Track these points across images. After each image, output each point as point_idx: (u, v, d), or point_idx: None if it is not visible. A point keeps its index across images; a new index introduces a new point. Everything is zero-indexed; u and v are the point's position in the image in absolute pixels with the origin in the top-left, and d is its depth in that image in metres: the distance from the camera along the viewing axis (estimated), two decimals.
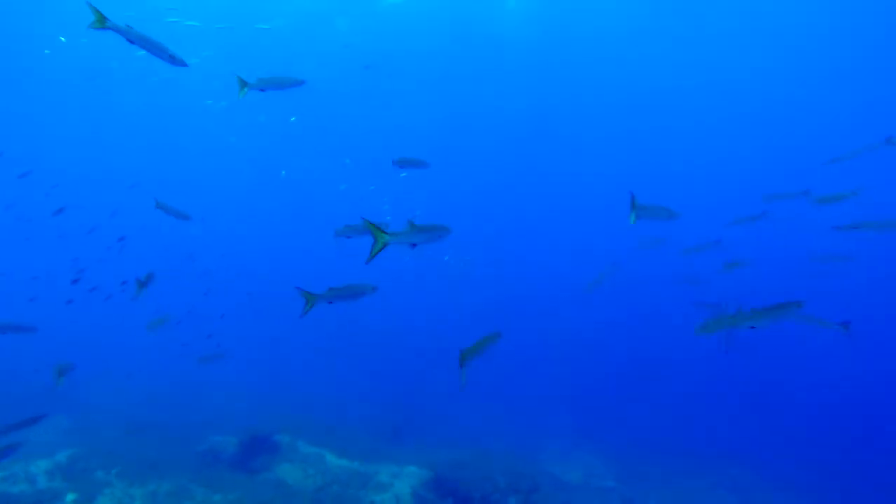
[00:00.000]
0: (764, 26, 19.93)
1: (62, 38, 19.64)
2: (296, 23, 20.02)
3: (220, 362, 12.37)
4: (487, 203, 33.82)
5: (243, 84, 5.75)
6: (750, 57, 22.01)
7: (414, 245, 4.86)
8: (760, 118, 26.71)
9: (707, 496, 11.47)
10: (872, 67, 21.26)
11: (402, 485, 9.89)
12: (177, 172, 30.03)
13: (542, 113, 27.87)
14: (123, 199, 25.41)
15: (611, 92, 25.80)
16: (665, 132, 29.07)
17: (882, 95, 22.56)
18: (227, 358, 11.41)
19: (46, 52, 20.59)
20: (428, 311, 22.44)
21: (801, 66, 22.07)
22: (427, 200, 28.86)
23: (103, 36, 5.31)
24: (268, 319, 21.07)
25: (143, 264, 9.59)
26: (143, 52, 4.71)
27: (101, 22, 4.10)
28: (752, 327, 4.74)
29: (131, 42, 4.30)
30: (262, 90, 5.83)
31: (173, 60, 4.75)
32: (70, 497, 8.25)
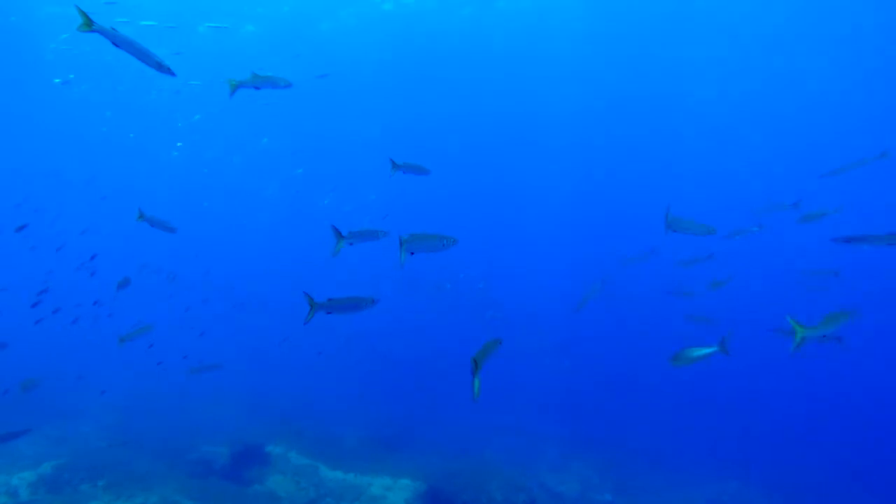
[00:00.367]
0: (760, 33, 20.06)
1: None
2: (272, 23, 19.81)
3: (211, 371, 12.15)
4: (476, 211, 33.87)
5: (234, 84, 5.57)
6: (744, 65, 22.19)
7: (412, 252, 4.83)
8: (755, 129, 26.92)
9: None
10: (871, 76, 21.42)
11: (395, 498, 9.71)
12: (149, 183, 29.98)
13: (532, 120, 27.99)
14: (94, 212, 25.28)
15: (600, 100, 25.92)
16: (657, 142, 29.20)
17: (880, 105, 22.75)
18: (219, 368, 11.20)
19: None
20: (420, 321, 22.26)
21: (797, 75, 22.24)
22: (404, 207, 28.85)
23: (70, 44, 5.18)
24: (257, 329, 20.86)
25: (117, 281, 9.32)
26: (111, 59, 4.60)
27: (88, 25, 4.00)
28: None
29: (117, 46, 4.17)
30: (256, 88, 5.64)
31: (160, 68, 4.57)
32: None
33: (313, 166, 30.94)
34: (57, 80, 21.02)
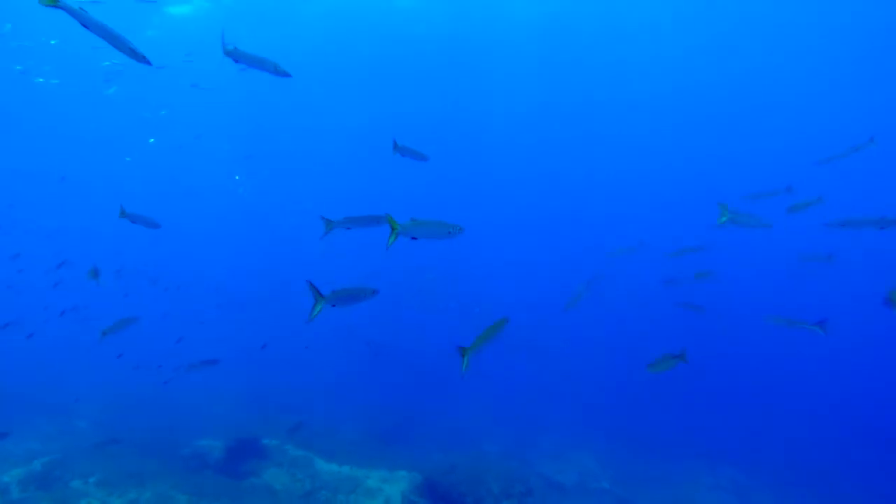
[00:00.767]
0: (754, 26, 19.64)
1: None
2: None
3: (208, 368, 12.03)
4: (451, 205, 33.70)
5: (228, 51, 5.20)
6: (739, 57, 21.75)
7: (414, 238, 4.78)
8: (747, 118, 26.52)
9: (705, 498, 11.28)
10: (863, 67, 21.07)
11: (392, 490, 9.61)
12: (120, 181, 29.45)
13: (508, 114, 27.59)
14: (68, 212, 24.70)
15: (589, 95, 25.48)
16: (643, 133, 28.75)
17: (873, 95, 22.42)
18: (217, 364, 11.07)
19: None
20: (419, 312, 22.16)
21: (790, 67, 21.84)
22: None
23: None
24: (252, 321, 20.74)
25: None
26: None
27: (53, 0, 3.72)
28: None
29: (85, 27, 3.89)
30: (235, 61, 5.26)
31: (134, 55, 4.26)
32: None
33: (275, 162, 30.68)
34: (18, 68, 20.20)
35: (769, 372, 19.43)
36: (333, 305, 4.98)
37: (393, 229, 4.66)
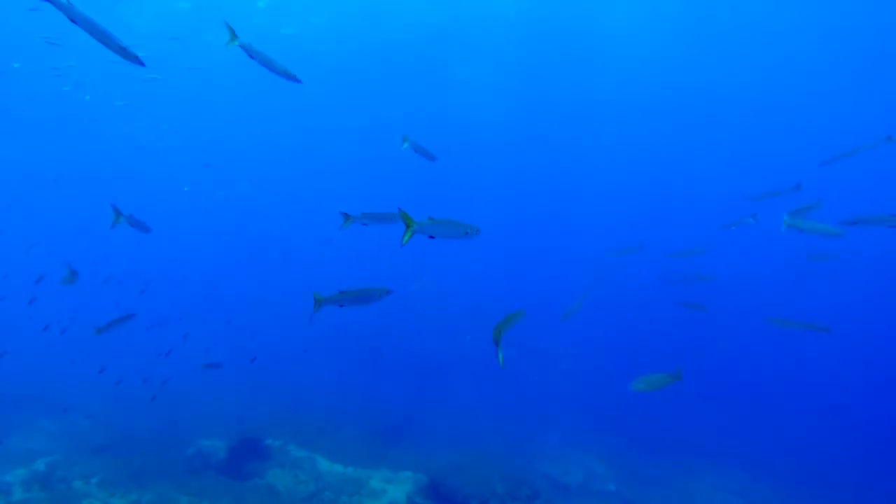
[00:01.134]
0: (758, 25, 19.39)
1: None
2: None
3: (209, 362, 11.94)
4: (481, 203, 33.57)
5: (234, 36, 5.03)
6: (742, 56, 21.49)
7: (432, 237, 4.67)
8: (750, 118, 26.24)
9: (711, 498, 11.18)
10: (869, 67, 20.79)
11: (396, 491, 9.54)
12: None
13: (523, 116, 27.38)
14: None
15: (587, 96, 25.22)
16: (643, 134, 28.46)
17: (880, 96, 22.15)
18: (221, 367, 11.01)
19: None
20: (422, 309, 22.08)
21: (793, 66, 21.56)
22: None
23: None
24: (257, 320, 20.69)
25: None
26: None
27: None
28: None
29: (73, 21, 3.73)
30: (247, 52, 5.07)
31: (125, 53, 4.00)
32: None
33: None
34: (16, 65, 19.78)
35: (773, 372, 19.29)
36: (341, 306, 4.86)
37: (408, 226, 4.47)
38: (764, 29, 19.03)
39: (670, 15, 19.10)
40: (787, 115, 24.63)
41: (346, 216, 5.60)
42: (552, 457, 12.38)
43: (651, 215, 33.08)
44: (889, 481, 12.61)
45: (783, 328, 8.06)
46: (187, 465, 10.26)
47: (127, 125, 25.07)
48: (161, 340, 14.82)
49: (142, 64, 4.16)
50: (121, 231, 7.23)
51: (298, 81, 5.48)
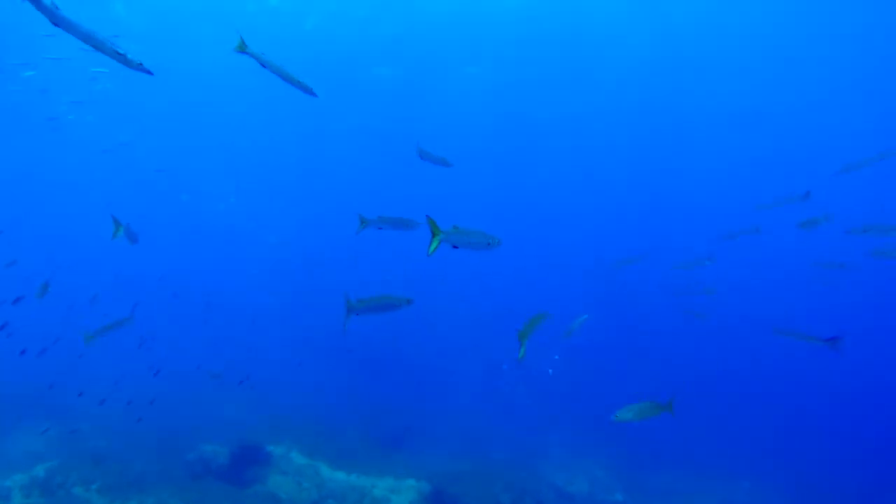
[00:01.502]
0: (765, 31, 19.28)
1: None
2: None
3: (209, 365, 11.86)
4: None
5: (243, 46, 4.88)
6: (747, 59, 21.37)
7: (455, 246, 4.59)
8: (756, 126, 26.07)
9: None
10: (878, 72, 20.63)
11: (400, 500, 9.40)
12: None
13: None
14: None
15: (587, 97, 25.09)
16: (650, 140, 28.28)
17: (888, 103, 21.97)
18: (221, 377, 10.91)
19: None
20: (425, 318, 21.96)
21: (801, 72, 21.42)
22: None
23: None
24: (259, 324, 20.55)
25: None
26: None
27: None
28: None
29: (55, 25, 3.57)
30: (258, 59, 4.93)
31: (117, 56, 3.87)
32: None
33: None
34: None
35: (781, 383, 19.07)
36: (358, 315, 4.71)
37: (434, 235, 4.33)
38: (774, 34, 18.91)
39: (682, 23, 18.97)
40: (794, 122, 24.48)
41: (363, 219, 5.56)
42: (555, 464, 12.22)
43: (657, 223, 32.85)
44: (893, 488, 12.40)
45: (790, 340, 7.96)
46: (188, 470, 10.14)
47: (90, 126, 23.47)
48: (155, 354, 14.69)
49: (150, 72, 4.02)
50: (105, 241, 7.09)
51: (315, 95, 5.22)
